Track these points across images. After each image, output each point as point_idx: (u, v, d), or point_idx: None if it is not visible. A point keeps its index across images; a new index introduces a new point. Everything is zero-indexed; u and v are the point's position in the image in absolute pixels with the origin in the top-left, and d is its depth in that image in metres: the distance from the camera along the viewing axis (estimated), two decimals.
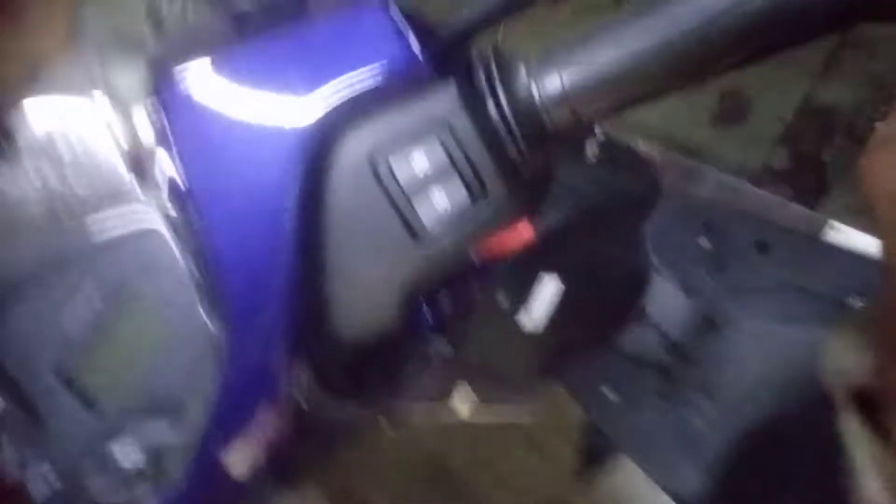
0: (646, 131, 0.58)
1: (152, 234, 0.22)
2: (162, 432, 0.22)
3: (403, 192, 0.22)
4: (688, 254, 0.63)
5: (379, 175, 0.22)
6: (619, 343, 0.67)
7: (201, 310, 0.22)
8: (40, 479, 0.22)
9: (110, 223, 0.22)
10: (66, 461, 0.23)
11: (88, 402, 0.23)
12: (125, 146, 0.22)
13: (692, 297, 0.63)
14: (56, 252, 0.22)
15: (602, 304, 0.64)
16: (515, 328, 0.57)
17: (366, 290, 0.24)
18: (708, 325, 0.64)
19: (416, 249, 0.23)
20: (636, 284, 0.65)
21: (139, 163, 0.22)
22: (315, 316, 0.23)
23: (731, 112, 0.99)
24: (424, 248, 0.23)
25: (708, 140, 1.01)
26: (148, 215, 0.22)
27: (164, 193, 0.22)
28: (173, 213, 0.22)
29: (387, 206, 0.22)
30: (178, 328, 0.22)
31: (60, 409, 0.23)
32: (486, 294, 0.53)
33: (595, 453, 0.91)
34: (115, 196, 0.22)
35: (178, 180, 0.21)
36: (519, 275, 0.54)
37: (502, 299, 0.55)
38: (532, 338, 0.59)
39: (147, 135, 0.23)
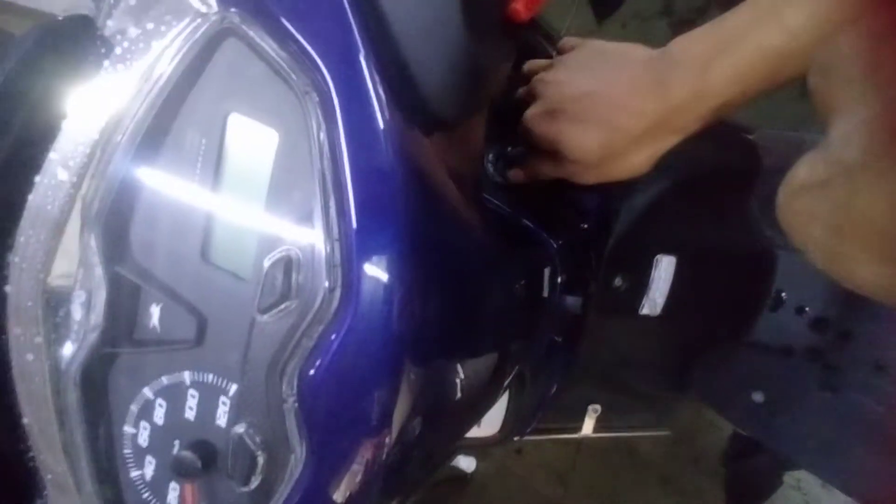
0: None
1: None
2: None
3: None
4: None
5: None
6: (754, 336, 0.60)
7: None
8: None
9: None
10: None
11: (236, 276, 0.22)
12: None
13: None
14: None
15: (726, 289, 0.58)
16: (637, 317, 0.52)
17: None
18: None
19: None
20: (761, 265, 0.59)
21: None
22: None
23: None
24: None
25: (802, 113, 0.95)
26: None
27: None
28: None
29: None
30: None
31: (218, 295, 0.22)
32: (602, 281, 0.49)
33: (748, 488, 0.81)
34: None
35: None
36: (633, 258, 0.51)
37: (619, 283, 0.51)
38: (656, 330, 0.54)
39: None
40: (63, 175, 0.21)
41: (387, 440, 0.22)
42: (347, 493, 0.22)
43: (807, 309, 0.59)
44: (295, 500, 0.21)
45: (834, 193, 0.20)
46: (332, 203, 0.20)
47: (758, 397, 0.61)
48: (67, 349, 0.22)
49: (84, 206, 0.22)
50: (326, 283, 0.20)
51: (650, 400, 0.64)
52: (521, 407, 0.47)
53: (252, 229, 0.22)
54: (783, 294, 0.60)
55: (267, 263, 0.21)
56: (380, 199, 0.20)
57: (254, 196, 0.22)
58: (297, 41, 0.21)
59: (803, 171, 0.21)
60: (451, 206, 0.25)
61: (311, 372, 0.20)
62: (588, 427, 0.59)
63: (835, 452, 0.56)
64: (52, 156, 0.21)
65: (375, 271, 0.20)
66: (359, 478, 0.21)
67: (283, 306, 0.21)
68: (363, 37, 0.21)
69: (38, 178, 0.22)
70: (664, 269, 0.52)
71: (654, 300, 0.52)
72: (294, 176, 0.21)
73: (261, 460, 0.21)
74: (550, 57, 0.42)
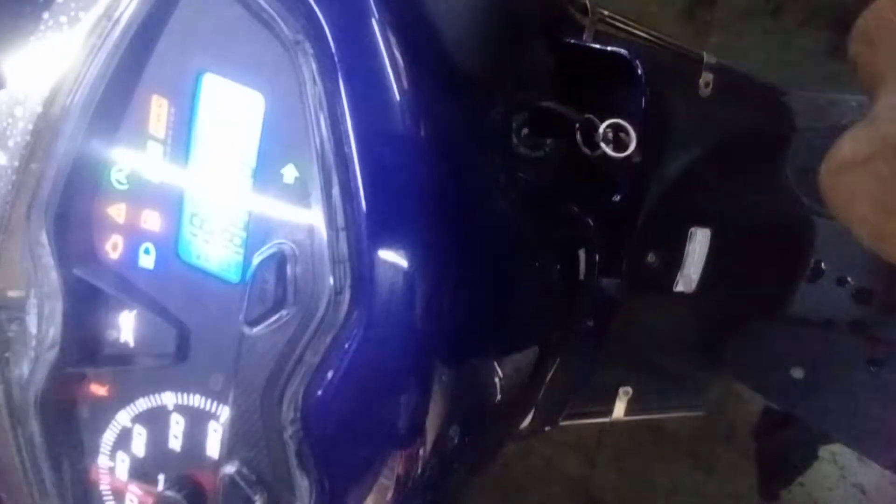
0: None
1: None
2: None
3: None
4: None
5: None
6: (793, 309, 0.57)
7: None
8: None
9: None
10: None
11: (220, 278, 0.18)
12: None
13: None
14: None
15: (762, 261, 0.55)
16: (670, 295, 0.49)
17: None
18: None
19: None
20: (798, 234, 0.56)
21: None
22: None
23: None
24: None
25: (831, 76, 0.91)
26: None
27: None
28: None
29: None
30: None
31: (201, 301, 0.18)
32: (634, 258, 0.46)
33: (781, 463, 0.79)
34: None
35: None
36: (666, 232, 0.47)
37: (652, 259, 0.48)
38: (691, 307, 0.51)
39: None
40: (2, 158, 0.17)
41: (420, 452, 0.18)
42: None
43: (848, 279, 0.56)
44: None
45: (880, 169, 0.19)
46: (334, 182, 0.16)
47: (797, 373, 0.58)
48: (24, 370, 0.18)
49: (31, 196, 0.17)
50: (332, 283, 0.16)
51: (681, 380, 0.61)
52: (553, 395, 0.44)
53: (236, 219, 0.18)
54: (822, 264, 0.57)
55: (255, 261, 0.17)
56: (394, 174, 0.16)
57: (236, 177, 0.18)
58: None
59: (847, 147, 0.20)
60: (478, 180, 0.21)
61: (319, 392, 0.16)
62: (619, 410, 0.56)
63: (881, 429, 0.53)
64: None
65: (392, 263, 0.16)
66: (390, 496, 0.18)
67: (276, 316, 0.17)
68: None
69: None
70: (699, 242, 0.49)
71: (689, 276, 0.49)
72: (286, 150, 0.17)
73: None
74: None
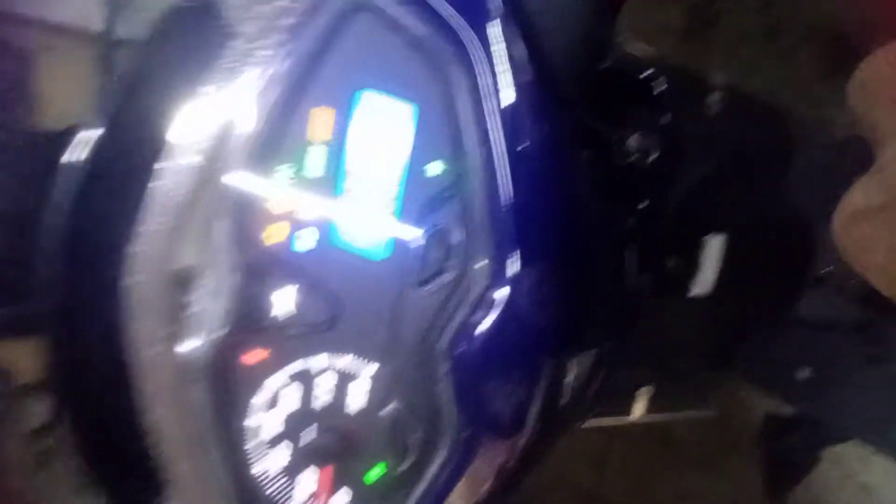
0: None
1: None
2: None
3: None
4: None
5: None
6: (799, 312, 0.60)
7: None
8: None
9: None
10: None
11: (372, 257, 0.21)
12: None
13: None
14: None
15: (770, 267, 0.58)
16: (686, 298, 0.52)
17: None
18: None
19: None
20: (803, 241, 0.59)
21: None
22: None
23: (844, 58, 0.91)
24: None
25: (822, 99, 0.94)
26: None
27: None
28: None
29: None
30: None
31: (355, 276, 0.21)
32: (657, 263, 0.49)
33: (786, 467, 0.81)
34: None
35: None
36: (684, 238, 0.51)
37: (672, 264, 0.51)
38: (705, 310, 0.54)
39: None
40: (193, 159, 0.21)
41: (519, 444, 0.21)
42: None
43: (850, 286, 0.58)
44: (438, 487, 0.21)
45: (894, 218, 0.19)
46: (479, 174, 0.20)
47: (804, 373, 0.60)
48: (195, 341, 0.22)
49: (218, 191, 0.21)
50: (482, 259, 0.20)
51: (694, 380, 0.64)
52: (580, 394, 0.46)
53: (387, 204, 0.21)
54: (826, 269, 0.60)
55: (422, 236, 0.21)
56: (529, 168, 0.20)
57: (389, 171, 0.21)
58: (435, 13, 0.21)
59: (858, 196, 0.21)
60: (578, 189, 0.24)
61: (464, 347, 0.20)
62: (639, 409, 0.59)
63: (883, 423, 0.56)
64: (180, 140, 0.21)
65: (525, 249, 0.20)
66: (487, 486, 0.21)
67: (438, 280, 0.20)
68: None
69: (165, 164, 0.21)
70: (714, 248, 0.52)
71: (705, 280, 0.52)
72: (434, 149, 0.21)
73: (415, 441, 0.21)
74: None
